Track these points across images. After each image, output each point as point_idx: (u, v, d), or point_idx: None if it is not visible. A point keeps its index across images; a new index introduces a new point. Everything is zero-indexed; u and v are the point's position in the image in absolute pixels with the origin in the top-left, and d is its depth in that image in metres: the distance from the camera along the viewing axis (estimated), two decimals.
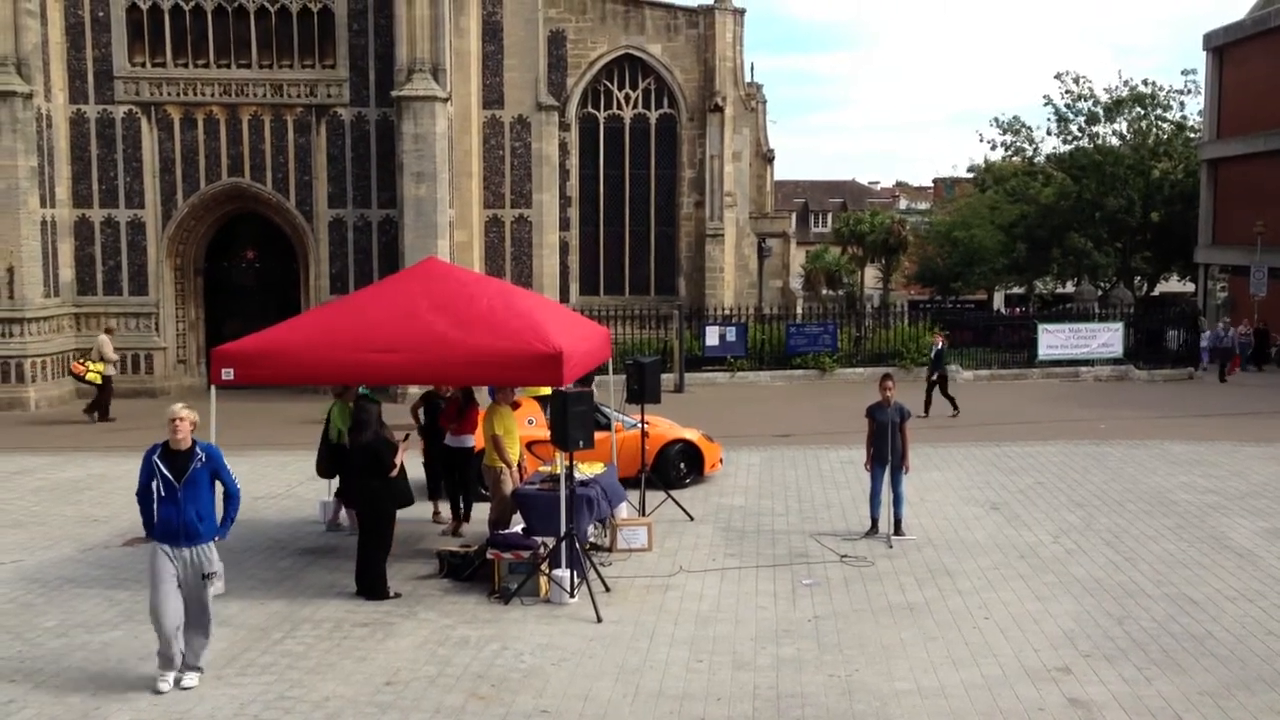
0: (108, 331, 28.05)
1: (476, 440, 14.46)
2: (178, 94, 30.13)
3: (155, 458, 9.14)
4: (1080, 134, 41.76)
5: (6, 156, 27.71)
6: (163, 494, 9.06)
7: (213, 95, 30.19)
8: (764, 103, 42.32)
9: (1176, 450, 20.27)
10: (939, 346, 25.88)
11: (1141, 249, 43.34)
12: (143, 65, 30.08)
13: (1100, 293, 41.60)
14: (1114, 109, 40.90)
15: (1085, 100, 41.30)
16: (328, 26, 30.30)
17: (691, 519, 15.07)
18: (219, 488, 9.41)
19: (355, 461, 11.91)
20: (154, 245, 30.43)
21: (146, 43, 30.05)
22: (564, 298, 33.01)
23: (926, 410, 24.43)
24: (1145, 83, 41.17)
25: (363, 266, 30.72)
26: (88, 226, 30.28)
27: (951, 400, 25.12)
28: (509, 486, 13.01)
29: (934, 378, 25.34)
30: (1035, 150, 43.42)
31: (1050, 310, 45.03)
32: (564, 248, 33.90)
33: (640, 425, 15.55)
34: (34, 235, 28.35)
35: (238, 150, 30.34)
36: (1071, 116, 41.70)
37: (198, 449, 9.17)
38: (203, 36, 30.10)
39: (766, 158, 40.56)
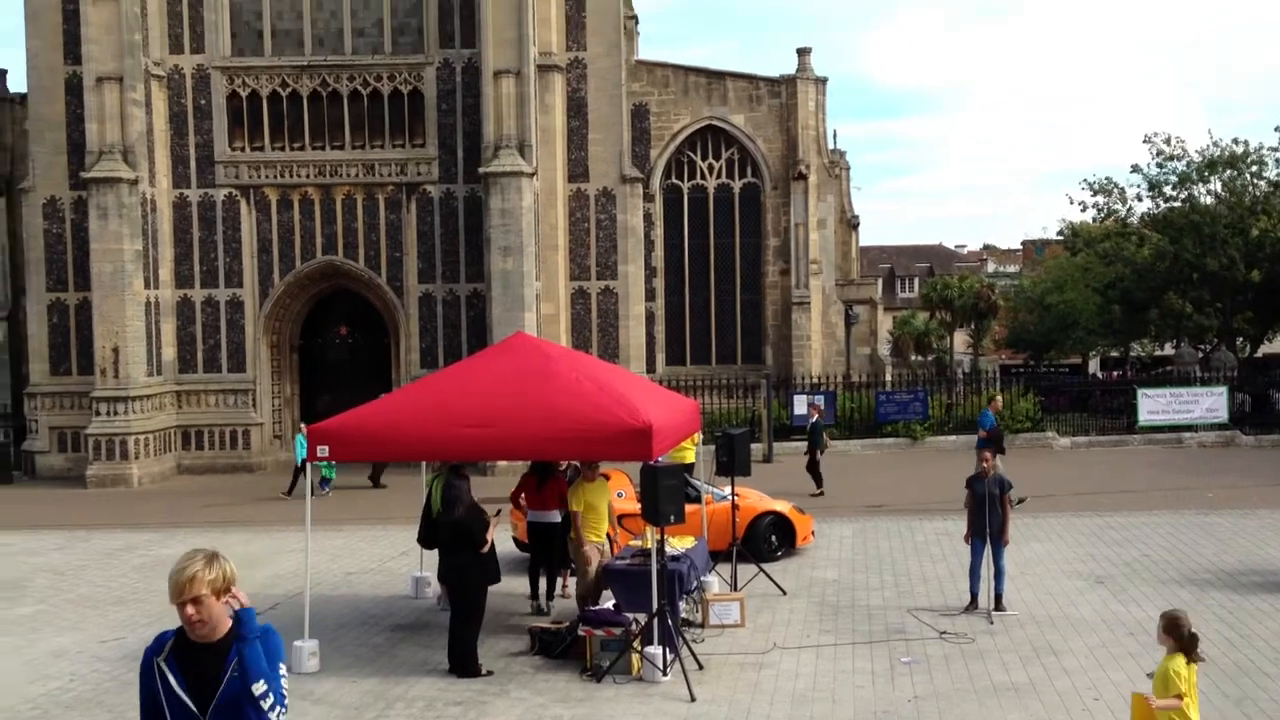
0: None
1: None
2: (275, 176, 31.08)
3: (161, 662, 4.80)
4: (1174, 194, 40.95)
5: (113, 240, 28.77)
6: None
7: (308, 176, 31.08)
8: (847, 169, 42.23)
9: None
10: (814, 419, 24.83)
11: (1243, 309, 42.11)
12: (242, 150, 31.12)
13: (1201, 355, 40.42)
14: (1207, 169, 40.06)
15: (1177, 160, 40.52)
16: (418, 107, 31.11)
17: (784, 593, 14.80)
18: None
19: (445, 537, 11.95)
20: (251, 323, 31.21)
21: (246, 128, 31.11)
22: (650, 368, 33.03)
23: (819, 486, 23.34)
24: (1236, 141, 40.30)
25: (451, 340, 31.14)
26: (189, 306, 31.20)
27: (818, 477, 23.63)
28: (592, 562, 12.93)
29: (811, 451, 24.03)
30: (1128, 211, 42.62)
31: (1149, 374, 43.86)
32: (650, 318, 33.98)
33: (730, 497, 15.37)
34: (138, 316, 29.27)
35: (331, 229, 31.12)
36: (1163, 179, 40.92)
37: (245, 633, 4.74)
38: (299, 121, 31.08)
39: (851, 224, 40.39)
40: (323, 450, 12.01)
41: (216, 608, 4.70)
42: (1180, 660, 7.44)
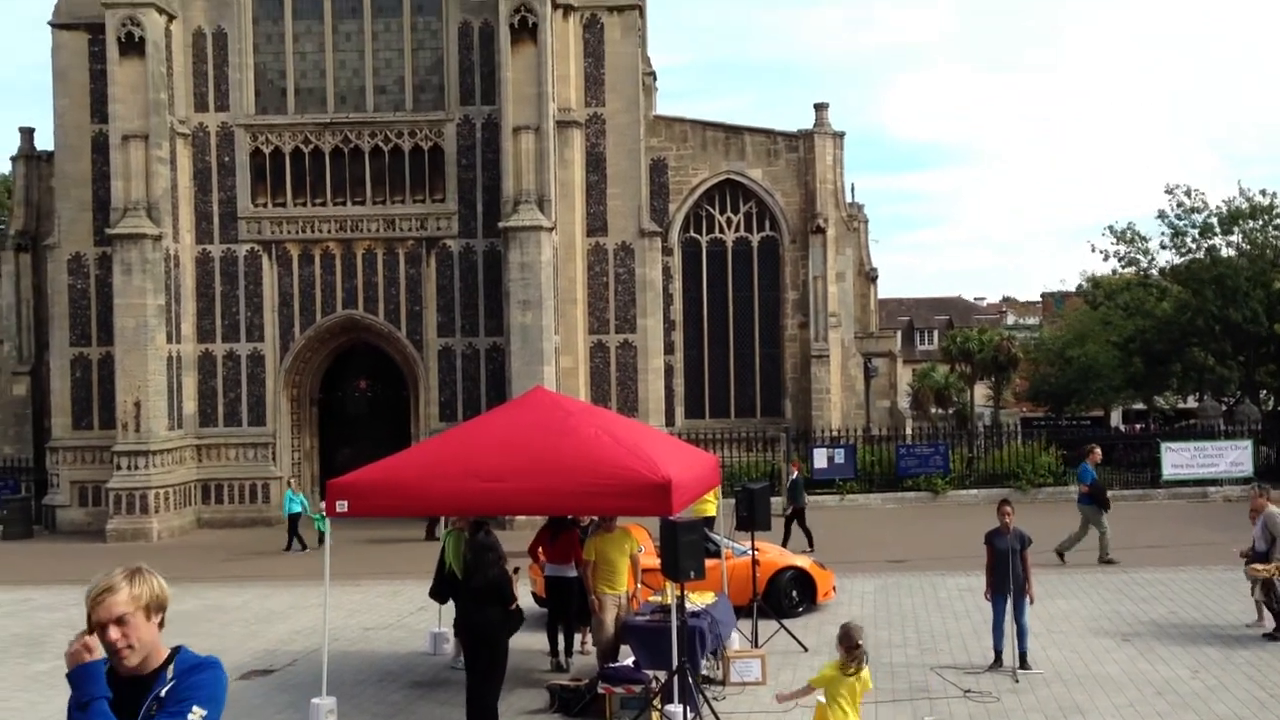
0: None
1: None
2: (297, 231, 31.37)
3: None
4: (1195, 246, 40.84)
5: (136, 295, 29.03)
6: None
7: (329, 232, 31.36)
8: (865, 222, 42.32)
9: None
10: (794, 476, 24.28)
11: (1266, 362, 41.84)
12: (265, 205, 31.46)
13: (1224, 408, 40.10)
14: (1230, 221, 39.99)
15: (1198, 213, 40.48)
16: (438, 162, 31.42)
17: (806, 650, 14.62)
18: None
19: (475, 593, 11.85)
20: (272, 377, 31.35)
21: (268, 184, 31.47)
22: (669, 421, 32.97)
23: (785, 543, 22.14)
24: (1264, 193, 40.21)
25: (471, 393, 31.19)
26: (210, 360, 31.39)
27: (809, 534, 23.04)
28: (607, 611, 12.81)
29: (789, 511, 23.37)
30: (1150, 261, 42.52)
31: (1172, 427, 43.50)
32: (669, 371, 33.96)
33: (751, 552, 15.25)
34: (160, 370, 29.45)
35: (352, 283, 31.33)
36: (1185, 229, 40.83)
37: (170, 673, 3.96)
38: (321, 177, 31.43)
39: (870, 277, 40.41)
40: (342, 506, 11.98)
41: (146, 631, 3.89)
42: (833, 665, 8.63)
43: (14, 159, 34.91)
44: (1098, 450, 23.06)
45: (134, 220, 29.18)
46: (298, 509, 26.73)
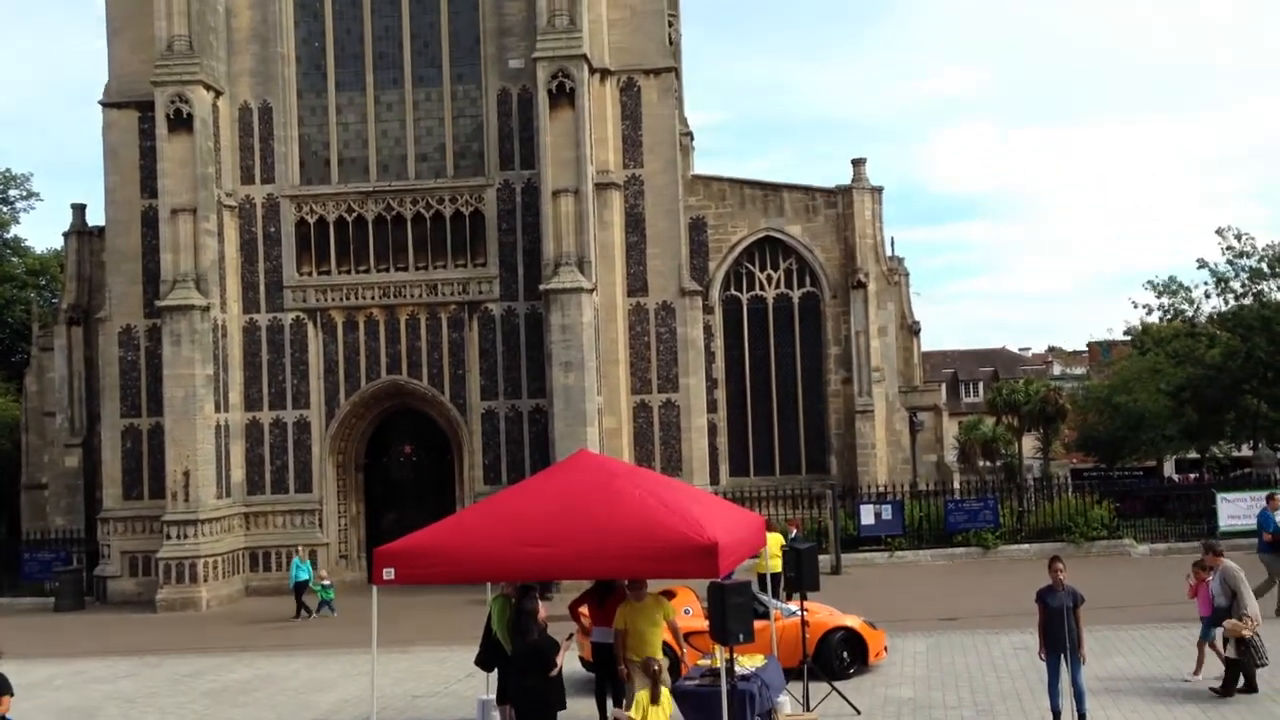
0: None
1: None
2: (341, 299, 31.76)
3: None
4: (1243, 291, 40.29)
5: (184, 366, 29.46)
6: None
7: (373, 298, 31.72)
8: (906, 275, 42.18)
9: None
10: (794, 535, 23.40)
11: None
12: (309, 274, 31.91)
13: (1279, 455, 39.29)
14: (1278, 263, 39.46)
15: (1248, 257, 39.98)
16: (479, 227, 31.78)
17: (858, 713, 14.38)
18: None
19: (518, 660, 11.80)
20: (318, 444, 31.59)
21: (313, 253, 31.96)
22: (714, 480, 32.79)
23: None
24: None
25: (514, 456, 31.24)
26: (257, 428, 31.70)
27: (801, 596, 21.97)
28: (634, 682, 12.63)
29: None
30: (1196, 310, 41.94)
31: (1227, 476, 42.68)
32: (712, 430, 33.81)
33: (800, 613, 15.07)
34: (208, 439, 29.77)
35: (396, 349, 31.61)
36: (1233, 274, 40.31)
37: None
38: (364, 244, 31.88)
39: (912, 330, 40.19)
40: (388, 574, 11.99)
41: None
42: (644, 694, 10.81)
43: (66, 235, 35.74)
44: (1278, 497, 21.94)
45: (183, 292, 29.69)
46: (304, 576, 26.85)
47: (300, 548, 28.88)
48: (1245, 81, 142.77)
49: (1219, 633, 14.75)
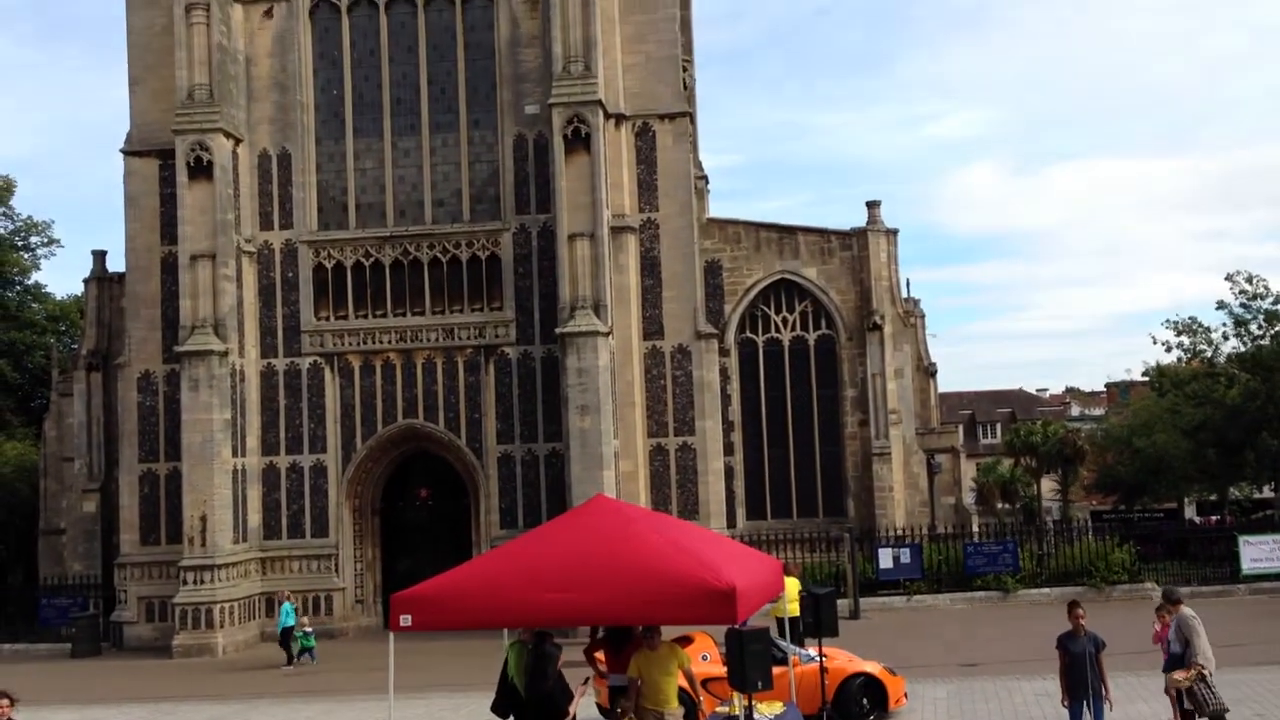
0: None
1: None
2: (358, 343, 31.90)
3: None
4: (1261, 332, 40.12)
5: (202, 411, 29.58)
6: None
7: (390, 342, 31.85)
8: (922, 317, 42.05)
9: None
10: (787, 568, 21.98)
11: None
12: (327, 319, 32.08)
13: None
14: None
15: (1261, 299, 39.83)
16: (495, 271, 31.93)
17: None
18: None
19: (530, 705, 11.72)
20: (334, 488, 31.61)
21: (330, 298, 32.14)
22: (731, 524, 32.65)
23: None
24: None
25: (531, 500, 31.19)
26: (274, 473, 31.74)
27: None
28: None
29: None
30: (1214, 350, 41.75)
31: (1249, 519, 42.27)
32: (729, 473, 33.70)
33: (819, 659, 14.95)
34: (225, 484, 29.83)
35: (412, 393, 31.69)
36: (1249, 316, 40.17)
37: None
38: (381, 289, 32.06)
39: (929, 372, 40.04)
40: (406, 620, 11.95)
41: None
42: None
43: (86, 281, 36.08)
44: None
45: (201, 337, 29.87)
46: (291, 623, 26.70)
47: (290, 594, 28.74)
48: (1259, 118, 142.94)
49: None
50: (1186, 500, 58.65)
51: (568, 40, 30.43)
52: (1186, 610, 14.36)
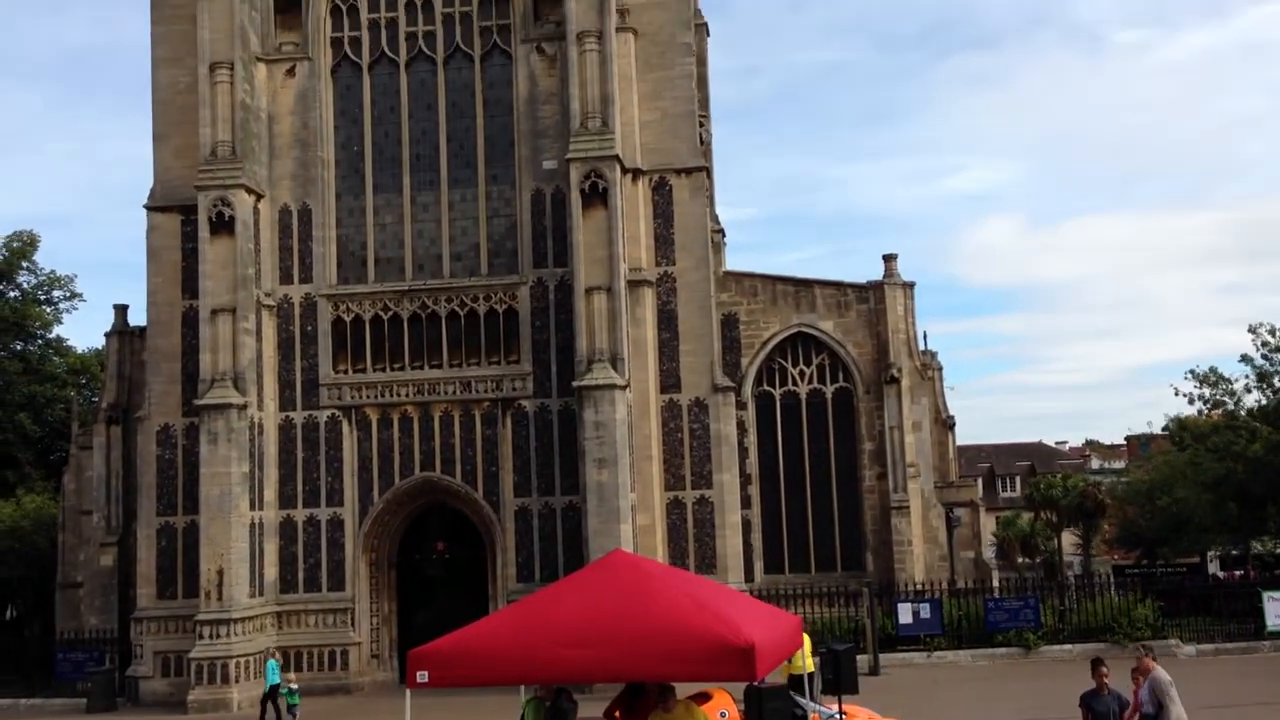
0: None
1: None
2: (376, 396, 31.99)
3: None
4: None
5: (221, 464, 29.64)
6: None
7: (407, 395, 31.93)
8: (940, 369, 41.98)
9: None
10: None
11: None
12: (345, 372, 32.22)
13: None
14: None
15: None
16: (512, 325, 32.05)
17: None
18: None
19: None
20: (351, 541, 31.56)
21: (349, 351, 32.30)
22: (749, 578, 32.43)
23: None
24: None
25: (548, 553, 31.07)
26: (291, 526, 31.73)
27: None
28: None
29: None
30: (1236, 403, 41.50)
31: (1273, 573, 41.77)
32: (746, 526, 33.49)
33: (839, 716, 14.78)
34: (243, 537, 29.82)
35: (429, 446, 31.71)
36: (1272, 369, 39.96)
37: None
38: (399, 342, 32.21)
39: (947, 424, 39.88)
40: (422, 677, 11.88)
41: None
42: None
43: (108, 335, 36.35)
44: None
45: (221, 391, 30.01)
46: (276, 680, 26.46)
47: (274, 650, 28.57)
48: (1278, 175, 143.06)
49: None
50: (1209, 554, 58.01)
51: (585, 97, 30.77)
52: (1160, 673, 14.01)
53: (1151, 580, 37.42)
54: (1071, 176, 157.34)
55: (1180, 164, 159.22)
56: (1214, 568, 59.35)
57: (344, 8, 33.45)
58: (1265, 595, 30.51)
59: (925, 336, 38.73)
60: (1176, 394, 70.29)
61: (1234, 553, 57.22)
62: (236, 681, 29.00)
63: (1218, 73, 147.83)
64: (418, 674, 12.00)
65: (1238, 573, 51.86)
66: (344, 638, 31.22)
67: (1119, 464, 78.89)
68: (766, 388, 34.75)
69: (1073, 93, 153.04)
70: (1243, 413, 41.59)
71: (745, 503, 33.60)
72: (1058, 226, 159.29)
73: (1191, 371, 42.27)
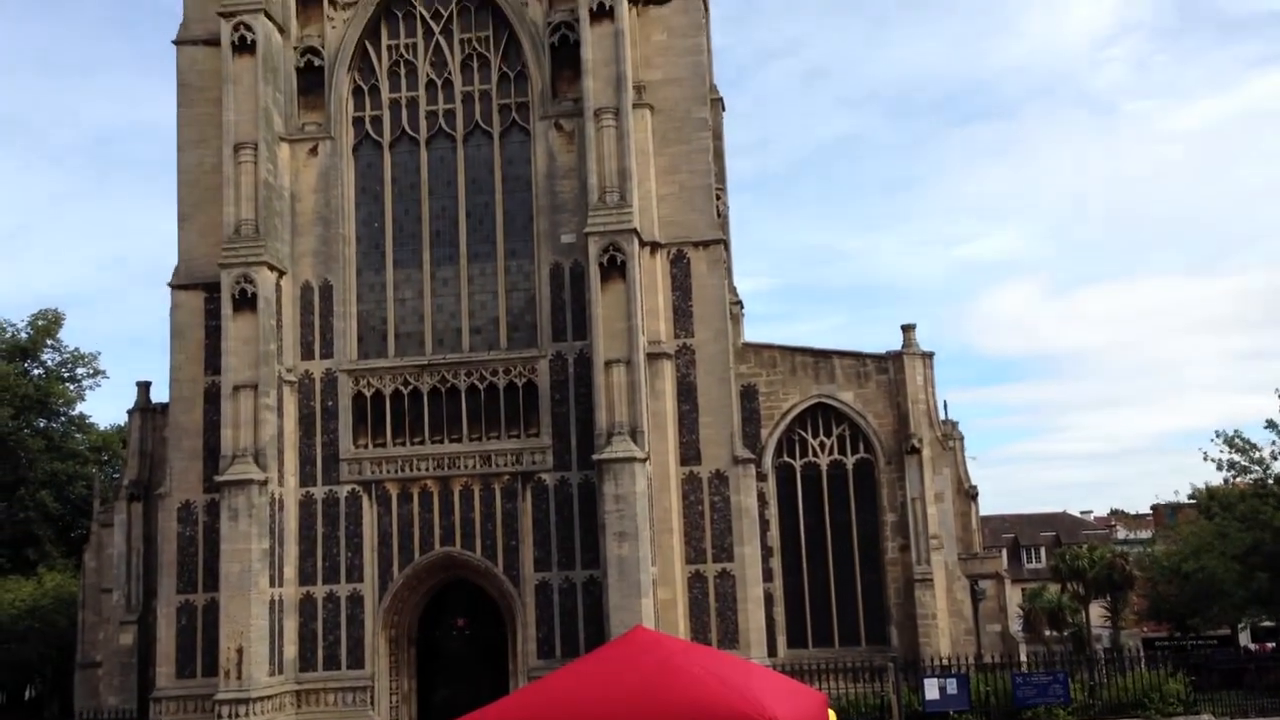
0: None
1: None
2: (396, 471, 31.99)
3: None
4: None
5: (241, 541, 29.62)
6: None
7: (427, 470, 31.92)
8: (961, 439, 41.66)
9: None
10: None
11: None
12: (365, 447, 32.26)
13: None
14: None
15: None
16: (532, 398, 32.10)
17: None
18: None
19: None
20: (371, 618, 31.35)
21: (369, 426, 32.38)
22: (771, 652, 31.97)
23: None
24: None
25: (568, 628, 30.78)
26: (311, 603, 31.57)
27: None
28: None
29: None
30: (1265, 470, 41.02)
31: None
32: (768, 599, 33.10)
33: None
34: (263, 615, 29.68)
35: (449, 520, 31.62)
36: None
37: None
38: (419, 417, 32.28)
39: (969, 495, 39.47)
40: None
41: None
42: None
43: (130, 412, 36.54)
44: None
45: (242, 466, 30.08)
46: None
47: None
48: None
49: None
50: (1241, 626, 56.99)
51: (603, 172, 31.12)
52: None
53: (1182, 653, 36.79)
54: (1087, 244, 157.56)
55: (1199, 230, 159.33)
56: (1245, 638, 58.27)
57: (365, 88, 34.08)
58: None
59: (945, 406, 38.54)
60: (1205, 459, 69.82)
61: (1265, 624, 56.21)
62: None
63: (1235, 143, 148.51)
64: None
65: (1269, 644, 50.91)
66: (363, 717, 30.88)
67: (1145, 534, 77.89)
68: (787, 459, 34.55)
69: (1087, 160, 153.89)
70: (1270, 480, 41.11)
71: (767, 575, 33.24)
72: (1074, 293, 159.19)
73: (1218, 432, 41.86)
